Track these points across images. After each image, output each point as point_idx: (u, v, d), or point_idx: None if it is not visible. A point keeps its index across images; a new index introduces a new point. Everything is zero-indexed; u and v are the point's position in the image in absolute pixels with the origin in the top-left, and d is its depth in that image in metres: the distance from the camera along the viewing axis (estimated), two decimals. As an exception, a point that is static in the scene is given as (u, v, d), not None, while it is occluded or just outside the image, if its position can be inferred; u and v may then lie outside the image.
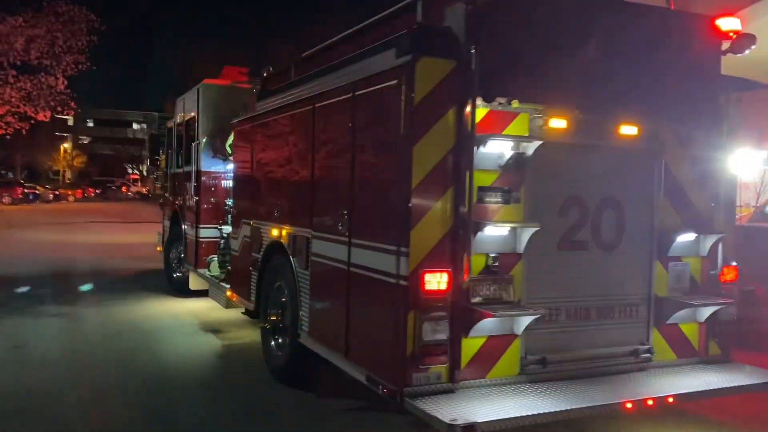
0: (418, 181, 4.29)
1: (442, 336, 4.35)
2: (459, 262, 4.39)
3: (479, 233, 4.44)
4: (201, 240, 10.15)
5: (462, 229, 4.37)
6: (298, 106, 6.12)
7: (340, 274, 5.19)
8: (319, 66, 6.13)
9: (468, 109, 4.36)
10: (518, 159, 4.60)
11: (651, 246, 5.25)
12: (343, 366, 5.15)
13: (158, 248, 13.56)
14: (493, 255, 4.56)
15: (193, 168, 10.29)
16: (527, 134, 4.67)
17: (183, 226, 11.08)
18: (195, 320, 9.53)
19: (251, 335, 8.65)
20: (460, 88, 4.37)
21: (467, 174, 4.37)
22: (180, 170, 11.54)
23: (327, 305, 5.53)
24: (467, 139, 4.37)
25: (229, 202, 9.76)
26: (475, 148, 4.39)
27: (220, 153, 9.74)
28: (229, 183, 9.93)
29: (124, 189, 72.47)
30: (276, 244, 6.75)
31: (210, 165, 10.20)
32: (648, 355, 5.21)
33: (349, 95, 5.08)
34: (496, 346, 4.62)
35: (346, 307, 5.08)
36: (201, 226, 10.16)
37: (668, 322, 5.25)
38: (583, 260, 4.98)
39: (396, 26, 5.08)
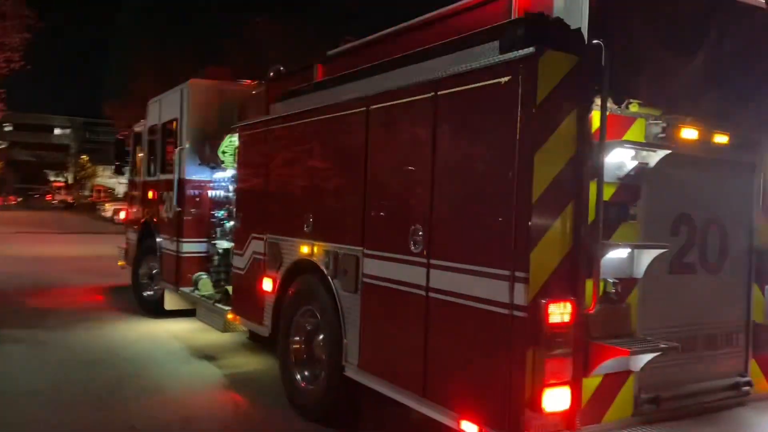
0: (539, 194, 3.66)
1: (566, 377, 3.72)
2: (581, 289, 3.79)
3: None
4: (183, 255, 9.21)
5: (587, 250, 3.77)
6: (344, 108, 5.39)
7: (412, 300, 4.50)
8: (369, 63, 5.45)
9: (592, 111, 3.79)
10: (639, 170, 4.04)
11: (749, 268, 4.79)
12: (417, 407, 4.44)
13: (120, 263, 12.45)
14: (612, 281, 3.96)
15: (175, 176, 9.34)
16: (644, 142, 4.13)
17: (158, 240, 10.07)
18: (181, 345, 8.57)
19: (253, 362, 7.81)
20: (581, 88, 3.78)
21: (592, 186, 3.79)
22: (154, 178, 10.53)
23: (391, 335, 4.80)
24: (592, 145, 3.79)
25: (219, 213, 8.89)
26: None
27: (209, 160, 8.85)
28: (216, 193, 9.07)
29: (48, 197, 68.82)
30: (304, 263, 5.98)
31: (195, 173, 9.28)
32: (747, 387, 4.73)
33: (429, 95, 4.41)
34: (612, 385, 4.03)
35: (424, 339, 4.38)
36: (184, 239, 9.22)
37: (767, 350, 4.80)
38: (690, 285, 4.47)
39: (482, 16, 4.48)
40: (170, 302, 9.95)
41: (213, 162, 8.76)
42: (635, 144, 3.96)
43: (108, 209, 40.47)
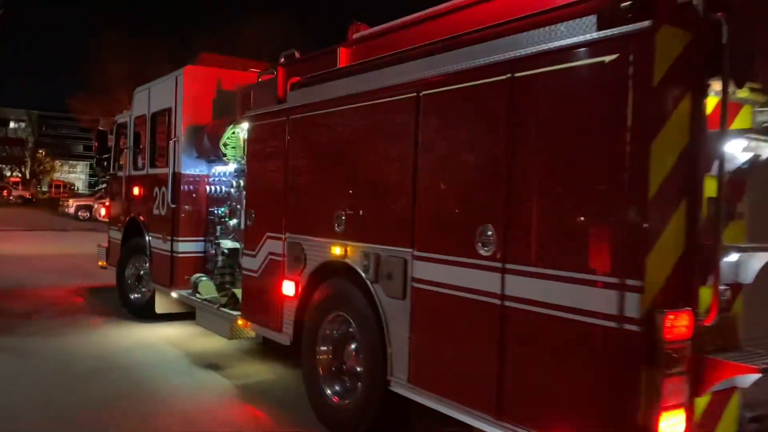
0: (655, 189, 3.20)
1: (682, 398, 3.27)
2: (697, 297, 3.34)
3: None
4: (179, 255, 8.56)
5: (703, 253, 3.32)
6: (388, 93, 4.85)
7: (482, 309, 4.00)
8: (406, 46, 4.94)
9: (709, 96, 3.35)
10: (749, 163, 3.60)
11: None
12: (490, 428, 3.94)
13: (100, 263, 11.70)
14: (723, 287, 3.52)
15: (169, 170, 8.67)
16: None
17: (148, 239, 9.39)
18: (179, 352, 7.93)
19: (263, 371, 7.24)
20: (696, 69, 3.33)
21: (706, 180, 3.36)
22: (142, 173, 9.83)
23: (453, 347, 4.28)
24: (707, 134, 3.34)
25: (220, 210, 8.27)
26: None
27: (208, 153, 8.21)
28: (215, 188, 8.44)
29: (5, 193, 66.36)
30: (335, 265, 5.44)
31: (191, 167, 8.63)
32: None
33: (504, 77, 3.90)
34: (717, 403, 3.60)
35: (499, 353, 3.88)
36: (179, 239, 8.57)
37: None
38: (787, 290, 4.06)
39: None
40: (162, 305, 9.31)
41: (213, 155, 8.13)
42: (758, 133, 3.52)
43: (71, 205, 38.97)
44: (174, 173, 8.62)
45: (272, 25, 36.37)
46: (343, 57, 6.06)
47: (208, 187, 8.57)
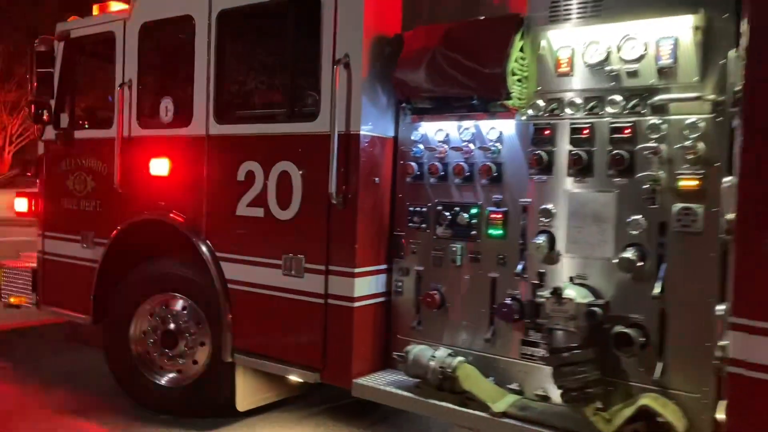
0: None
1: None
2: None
3: None
4: (354, 305, 4.11)
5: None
6: None
7: None
8: None
9: None
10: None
11: None
12: None
13: (13, 300, 6.33)
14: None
15: (332, 129, 4.05)
16: None
17: (210, 259, 4.66)
18: None
19: None
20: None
21: None
22: (186, 133, 4.93)
23: None
24: None
25: (469, 213, 3.98)
26: None
27: (458, 88, 3.85)
28: (427, 167, 4.16)
29: None
30: None
31: (372, 122, 4.18)
32: None
33: None
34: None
35: None
36: (356, 269, 4.10)
37: None
38: None
39: None
40: (249, 396, 4.74)
41: (469, 93, 3.82)
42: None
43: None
44: (341, 135, 4.08)
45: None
46: None
47: (412, 165, 4.19)
